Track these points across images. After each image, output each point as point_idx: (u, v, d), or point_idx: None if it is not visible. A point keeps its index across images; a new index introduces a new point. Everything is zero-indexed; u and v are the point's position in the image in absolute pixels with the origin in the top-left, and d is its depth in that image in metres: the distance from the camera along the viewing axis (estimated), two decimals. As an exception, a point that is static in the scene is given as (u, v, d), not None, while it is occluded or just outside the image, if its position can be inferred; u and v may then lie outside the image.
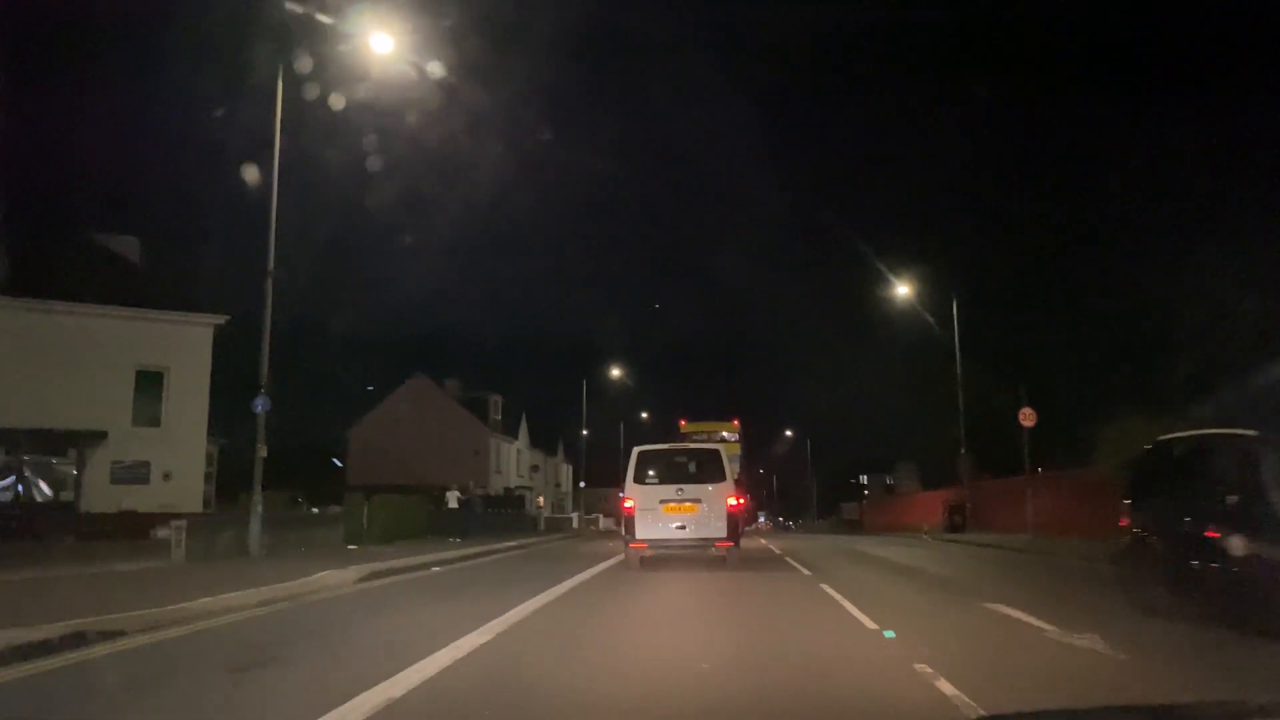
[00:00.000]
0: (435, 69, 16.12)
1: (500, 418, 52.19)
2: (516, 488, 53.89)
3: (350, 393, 48.87)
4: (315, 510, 34.27)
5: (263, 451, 15.73)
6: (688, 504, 14.08)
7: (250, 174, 16.04)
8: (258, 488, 15.67)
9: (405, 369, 50.80)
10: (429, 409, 48.74)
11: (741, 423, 37.49)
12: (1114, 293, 32.61)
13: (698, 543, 14.12)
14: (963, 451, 33.29)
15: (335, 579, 11.90)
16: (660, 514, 14.04)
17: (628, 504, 14.31)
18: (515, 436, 54.66)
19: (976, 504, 32.88)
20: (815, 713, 4.73)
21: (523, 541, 25.75)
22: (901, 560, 17.55)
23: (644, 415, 74.94)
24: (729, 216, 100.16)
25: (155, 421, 21.98)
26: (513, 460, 54.60)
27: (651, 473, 14.42)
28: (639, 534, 14.05)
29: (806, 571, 13.34)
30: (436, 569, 14.88)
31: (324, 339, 55.17)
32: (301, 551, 16.56)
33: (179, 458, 21.98)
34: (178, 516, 19.26)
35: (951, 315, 33.60)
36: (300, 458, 54.12)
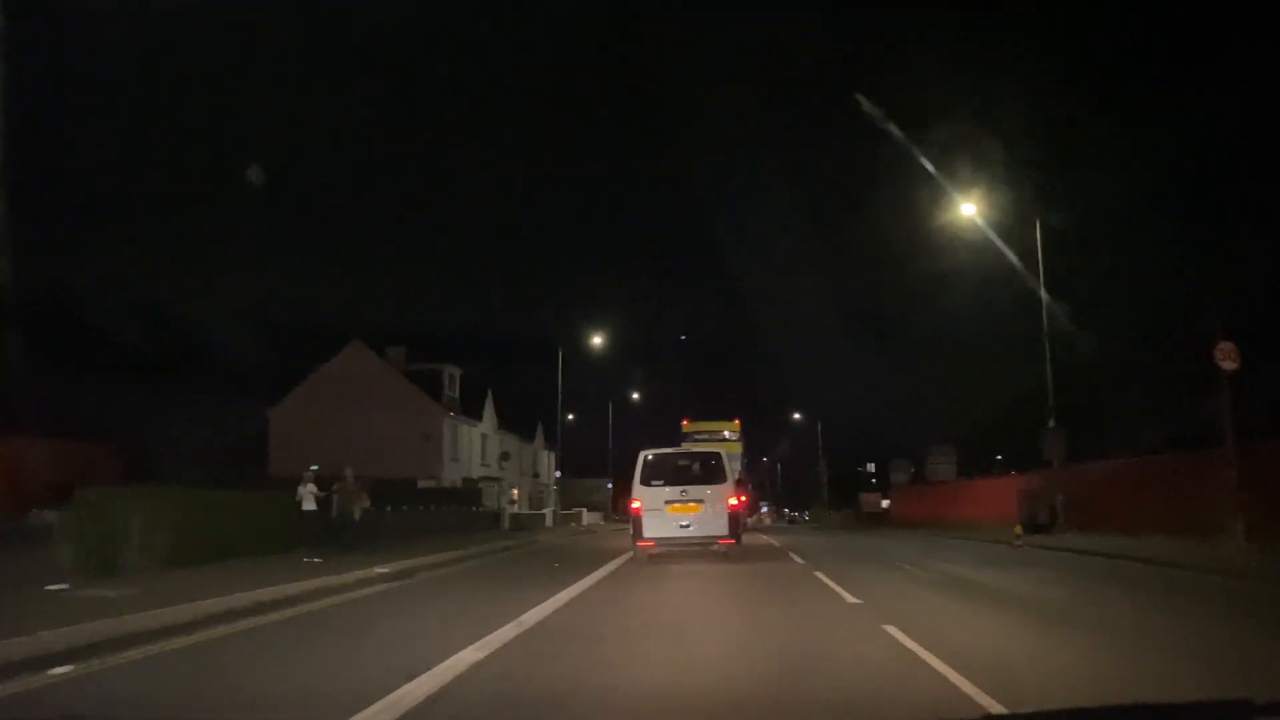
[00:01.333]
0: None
1: (457, 395, 43.48)
2: (481, 478, 45.31)
3: (273, 365, 40.23)
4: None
5: None
6: (691, 504, 14.86)
7: None
8: None
9: (340, 337, 41.92)
10: (367, 383, 40.07)
11: (743, 416, 37.72)
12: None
13: (701, 540, 14.91)
14: (1051, 424, 24.72)
15: None
16: (666, 514, 14.81)
17: (635, 505, 15.09)
18: (478, 418, 45.98)
19: (1070, 495, 24.29)
20: None
21: (445, 556, 17.14)
22: (1134, 621, 8.94)
23: (634, 396, 66.77)
24: (735, 160, 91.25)
25: None
26: (476, 446, 45.95)
27: (657, 475, 15.20)
28: (646, 533, 14.83)
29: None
30: None
31: (249, 303, 46.42)
32: None
33: None
34: None
35: (1034, 244, 25.10)
36: (219, 445, 45.52)
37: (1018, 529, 20.42)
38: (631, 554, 15.85)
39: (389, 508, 25.36)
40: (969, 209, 25.05)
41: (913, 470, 63.14)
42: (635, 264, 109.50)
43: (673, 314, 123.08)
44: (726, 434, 34.07)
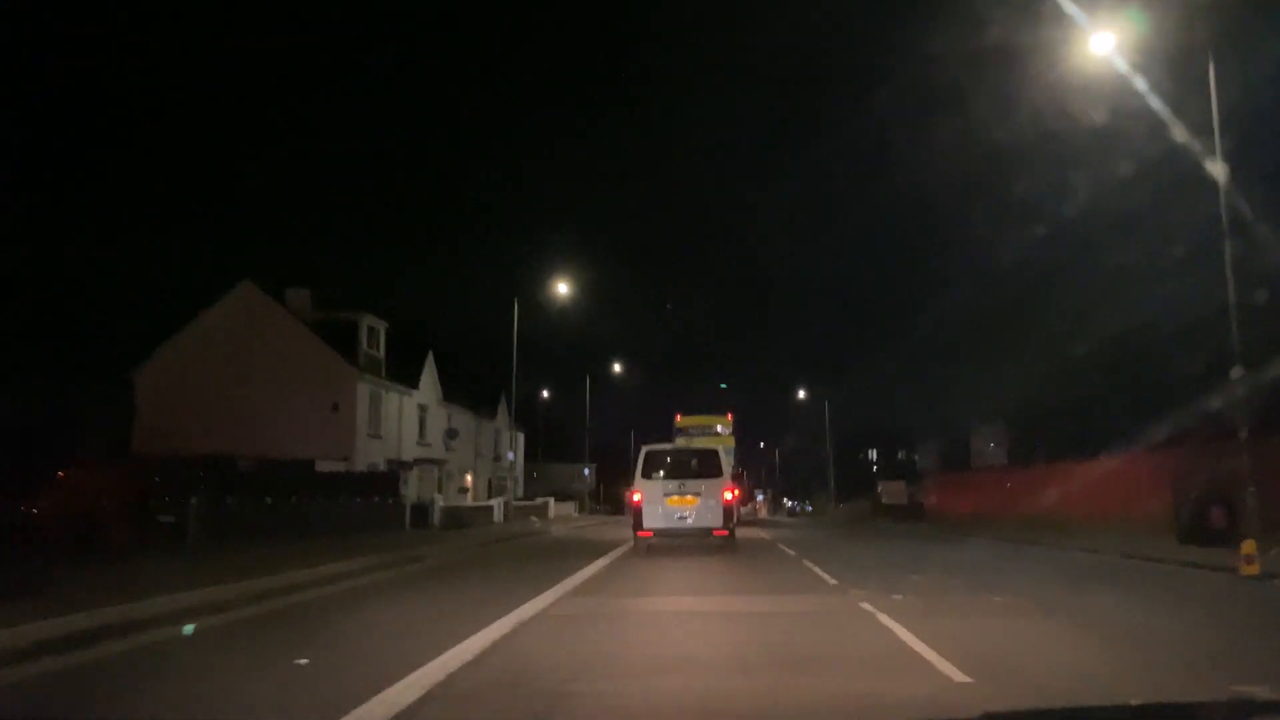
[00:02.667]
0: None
1: (382, 354, 34.33)
2: (419, 460, 36.32)
3: (143, 311, 31.23)
4: None
5: None
6: (689, 497, 15.87)
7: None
8: None
9: (228, 274, 32.61)
10: (260, 336, 30.97)
11: (736, 407, 40.12)
12: None
13: (697, 531, 15.94)
14: (1238, 372, 15.71)
15: None
16: (664, 506, 15.80)
17: (636, 497, 16.02)
18: (414, 385, 36.86)
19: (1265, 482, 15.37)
20: None
21: (85, 622, 8.11)
22: None
23: (617, 368, 58.14)
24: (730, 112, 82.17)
25: None
26: (410, 420, 36.85)
27: (657, 469, 16.25)
28: (646, 523, 15.78)
29: None
30: None
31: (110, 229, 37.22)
32: None
33: None
34: None
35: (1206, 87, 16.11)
36: (82, 416, 36.30)
37: (1249, 547, 11.42)
38: (528, 621, 8.42)
39: (229, 500, 16.31)
40: (1105, 41, 15.96)
41: (928, 458, 54.52)
42: (628, 237, 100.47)
43: (668, 291, 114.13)
44: (719, 428, 34.67)
